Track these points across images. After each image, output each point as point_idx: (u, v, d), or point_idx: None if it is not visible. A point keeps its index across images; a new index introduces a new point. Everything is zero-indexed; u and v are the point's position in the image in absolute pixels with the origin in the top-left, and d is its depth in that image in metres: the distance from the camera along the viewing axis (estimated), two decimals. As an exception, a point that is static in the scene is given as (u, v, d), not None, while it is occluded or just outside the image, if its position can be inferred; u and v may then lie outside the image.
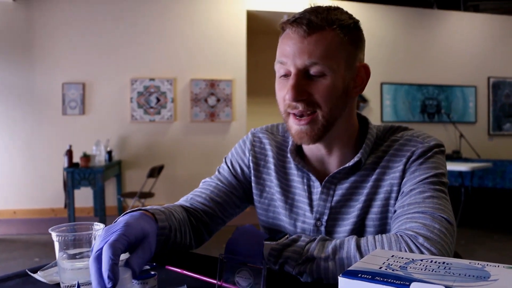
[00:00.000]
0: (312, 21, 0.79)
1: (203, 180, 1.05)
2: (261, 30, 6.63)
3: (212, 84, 5.59)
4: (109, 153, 4.97)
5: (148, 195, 4.67)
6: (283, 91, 0.84)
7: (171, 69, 5.52)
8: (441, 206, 0.78)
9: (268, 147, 1.01)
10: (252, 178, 1.01)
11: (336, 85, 0.81)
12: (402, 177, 0.85)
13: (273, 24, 6.71)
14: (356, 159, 0.87)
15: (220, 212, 0.98)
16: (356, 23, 0.84)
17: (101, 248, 0.61)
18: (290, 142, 0.96)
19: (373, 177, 0.88)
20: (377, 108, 6.43)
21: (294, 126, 0.84)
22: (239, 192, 1.01)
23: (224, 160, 1.07)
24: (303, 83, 0.80)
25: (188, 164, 5.56)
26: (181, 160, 5.56)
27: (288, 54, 0.81)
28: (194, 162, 5.57)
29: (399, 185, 0.85)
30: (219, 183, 1.01)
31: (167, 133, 5.53)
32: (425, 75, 6.67)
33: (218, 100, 5.62)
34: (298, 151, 0.96)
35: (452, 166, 4.44)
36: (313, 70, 0.80)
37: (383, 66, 6.35)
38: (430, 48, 6.69)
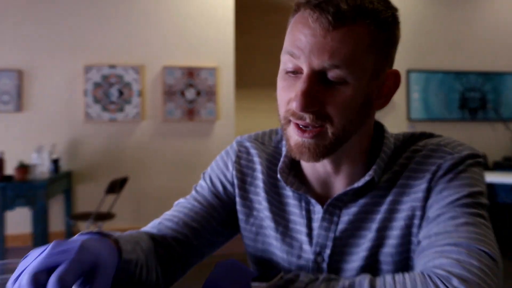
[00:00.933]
0: (341, 10, 0.77)
1: (176, 202, 1.05)
2: (253, 5, 6.63)
3: (191, 72, 5.58)
4: (55, 162, 4.94)
5: (107, 216, 4.64)
6: (288, 92, 0.83)
7: (138, 53, 5.51)
8: (480, 235, 0.77)
9: (256, 159, 1.02)
10: (237, 198, 1.02)
11: (357, 96, 0.81)
12: (426, 198, 0.85)
13: (269, -5, 6.73)
14: (367, 178, 0.88)
15: (196, 240, 0.98)
16: (394, 14, 0.84)
17: (40, 269, 0.60)
18: (282, 158, 0.97)
19: (389, 198, 0.88)
20: (402, 103, 6.45)
21: (295, 137, 0.84)
22: (221, 215, 1.02)
23: (202, 176, 1.08)
24: (316, 89, 0.79)
25: (159, 176, 5.53)
26: (151, 171, 5.52)
27: (303, 47, 0.79)
28: (167, 174, 5.54)
29: (423, 208, 0.85)
30: (195, 204, 1.01)
31: (133, 135, 5.50)
32: (466, 60, 6.71)
33: (199, 93, 5.60)
34: (293, 167, 0.97)
35: (502, 178, 4.43)
36: (331, 75, 0.79)
37: (410, 49, 6.37)
38: (472, 25, 6.72)
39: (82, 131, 5.40)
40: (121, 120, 5.46)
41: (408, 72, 6.45)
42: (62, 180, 5.00)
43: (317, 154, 0.83)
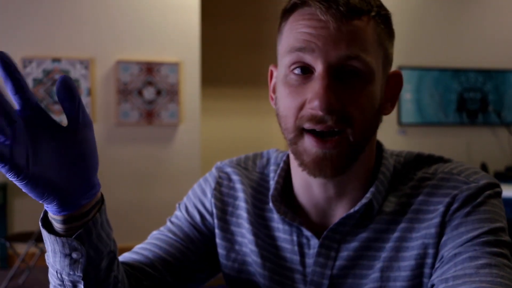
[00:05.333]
0: (350, 3, 0.82)
1: (150, 235, 1.06)
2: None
3: (150, 68, 5.57)
4: (-11, 173, 4.85)
5: (50, 237, 4.57)
6: (297, 97, 0.84)
7: (87, 45, 5.48)
8: (505, 279, 0.76)
9: (239, 186, 1.03)
10: (216, 230, 1.02)
11: (375, 96, 0.86)
12: (440, 234, 0.85)
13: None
14: (364, 201, 0.88)
15: (171, 276, 0.98)
16: (388, 11, 0.90)
17: None
18: (273, 184, 0.98)
19: (395, 234, 0.89)
20: (393, 105, 6.51)
21: (314, 150, 0.84)
22: (199, 248, 1.02)
23: (177, 207, 1.09)
24: (336, 87, 0.82)
25: (113, 188, 5.49)
26: (103, 182, 5.39)
27: (316, 40, 0.82)
28: (122, 186, 5.51)
29: (436, 246, 0.85)
30: (170, 235, 1.02)
31: (80, 142, 5.44)
32: (464, 55, 6.81)
33: (159, 92, 5.59)
34: (285, 195, 0.97)
35: (505, 191, 4.50)
36: (350, 68, 0.82)
37: (401, 42, 6.45)
38: (472, 16, 6.84)
39: (20, 136, 5.32)
40: (67, 123, 5.40)
41: (399, 69, 6.49)
42: (-4, 194, 4.93)
43: (340, 167, 0.84)
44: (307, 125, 0.83)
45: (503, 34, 6.93)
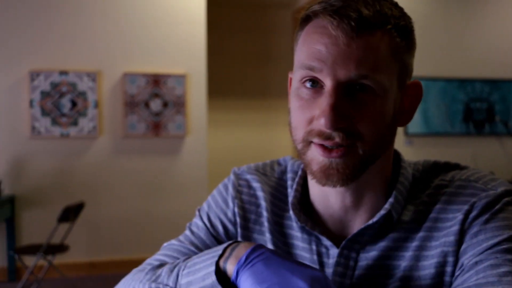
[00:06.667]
0: (363, 15, 0.81)
1: (165, 244, 1.04)
2: (227, 1, 6.67)
3: (156, 81, 5.59)
4: (-2, 185, 4.87)
5: (59, 248, 4.60)
6: (308, 111, 0.85)
7: (94, 58, 5.50)
8: None
9: (260, 194, 1.02)
10: (239, 239, 1.00)
11: (387, 110, 0.85)
12: (459, 242, 0.85)
13: (246, -9, 6.79)
14: (382, 212, 0.88)
15: None
16: (410, 21, 0.89)
17: None
18: (292, 192, 0.97)
19: (414, 243, 0.88)
20: (400, 115, 6.50)
21: (320, 158, 0.84)
22: None
23: (197, 213, 1.07)
24: (344, 104, 0.81)
25: (120, 200, 5.49)
26: (110, 194, 5.48)
27: (325, 58, 0.81)
28: (130, 198, 5.51)
29: (456, 254, 0.85)
30: (192, 248, 1.00)
31: (88, 154, 5.47)
32: (470, 65, 6.80)
33: (165, 104, 5.61)
34: (303, 204, 0.97)
35: None
36: (359, 86, 0.82)
37: (408, 53, 6.43)
38: (478, 27, 6.84)
39: (27, 148, 5.34)
40: (75, 136, 5.42)
41: (405, 79, 6.50)
42: (3, 206, 4.93)
43: (347, 176, 0.84)
44: (315, 140, 0.83)
45: (509, 43, 6.92)
